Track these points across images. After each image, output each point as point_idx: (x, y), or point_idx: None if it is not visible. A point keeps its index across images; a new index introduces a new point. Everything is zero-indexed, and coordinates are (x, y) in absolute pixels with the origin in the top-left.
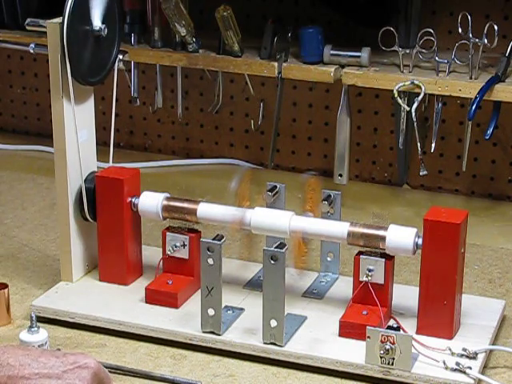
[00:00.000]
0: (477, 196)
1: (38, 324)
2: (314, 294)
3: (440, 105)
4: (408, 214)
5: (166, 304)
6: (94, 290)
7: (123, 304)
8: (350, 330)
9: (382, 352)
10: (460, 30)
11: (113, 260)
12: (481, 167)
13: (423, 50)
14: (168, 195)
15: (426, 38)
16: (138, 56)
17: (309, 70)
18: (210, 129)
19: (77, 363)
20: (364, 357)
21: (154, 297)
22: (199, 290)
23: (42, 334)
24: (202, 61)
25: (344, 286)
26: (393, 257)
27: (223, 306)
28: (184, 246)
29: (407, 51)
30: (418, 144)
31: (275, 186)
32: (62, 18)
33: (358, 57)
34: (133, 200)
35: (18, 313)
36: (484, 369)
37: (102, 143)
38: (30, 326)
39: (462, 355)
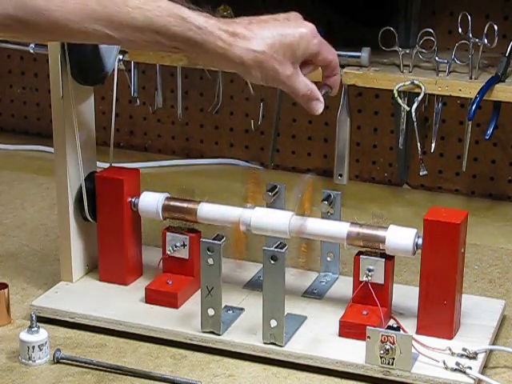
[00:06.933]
0: (477, 196)
1: (38, 324)
2: (314, 293)
3: (440, 105)
4: (408, 214)
5: (166, 304)
6: (93, 289)
7: (123, 304)
8: (350, 329)
9: (381, 352)
10: (460, 30)
11: (113, 260)
12: (481, 167)
13: (423, 50)
14: (168, 195)
15: (425, 37)
16: (138, 56)
17: None
18: (210, 129)
19: None
20: (364, 357)
21: (154, 297)
22: (199, 290)
23: (42, 333)
24: (202, 61)
25: (344, 286)
26: (393, 257)
27: (223, 306)
28: (184, 246)
29: (407, 51)
30: (418, 144)
31: (275, 186)
32: None
33: (358, 57)
34: (133, 200)
35: (18, 313)
36: (484, 369)
37: (102, 143)
38: (30, 326)
39: (462, 355)
